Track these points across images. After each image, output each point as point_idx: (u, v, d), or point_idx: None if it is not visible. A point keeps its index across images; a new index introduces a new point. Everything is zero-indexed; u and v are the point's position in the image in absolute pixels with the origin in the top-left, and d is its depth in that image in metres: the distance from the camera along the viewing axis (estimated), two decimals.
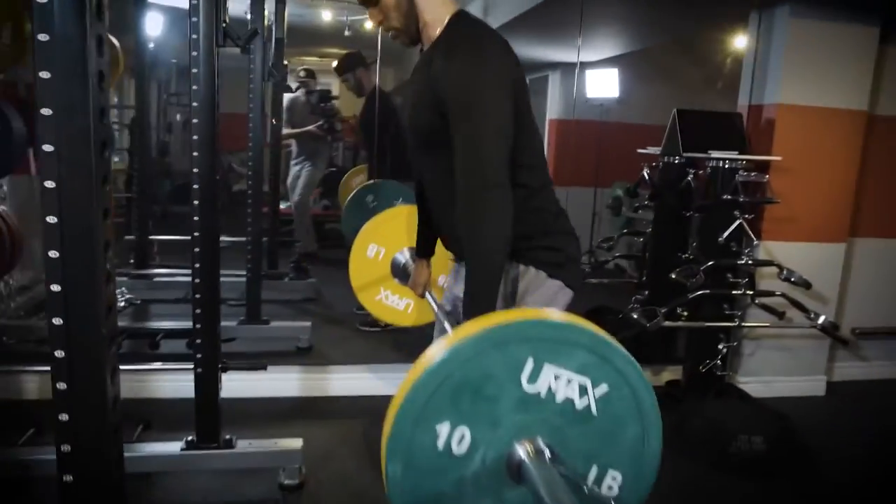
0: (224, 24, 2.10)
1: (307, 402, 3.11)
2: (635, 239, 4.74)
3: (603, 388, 1.02)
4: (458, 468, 1.02)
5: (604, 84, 5.88)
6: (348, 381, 3.21)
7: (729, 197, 3.03)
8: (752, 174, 3.06)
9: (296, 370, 3.20)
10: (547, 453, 1.02)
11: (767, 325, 3.24)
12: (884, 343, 3.74)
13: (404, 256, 2.26)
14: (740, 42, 5.18)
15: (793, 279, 3.05)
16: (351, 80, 4.14)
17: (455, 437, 1.01)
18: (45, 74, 0.97)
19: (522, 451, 1.03)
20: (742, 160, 3.08)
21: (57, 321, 1.00)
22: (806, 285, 3.05)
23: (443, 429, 1.00)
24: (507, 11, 4.74)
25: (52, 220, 0.98)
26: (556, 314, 1.06)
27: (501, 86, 1.42)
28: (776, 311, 3.22)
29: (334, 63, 4.40)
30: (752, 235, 3.00)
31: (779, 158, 3.15)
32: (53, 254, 0.98)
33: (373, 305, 2.46)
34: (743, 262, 3.08)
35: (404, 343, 3.59)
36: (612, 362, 1.02)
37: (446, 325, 1.70)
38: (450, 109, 1.42)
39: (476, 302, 1.40)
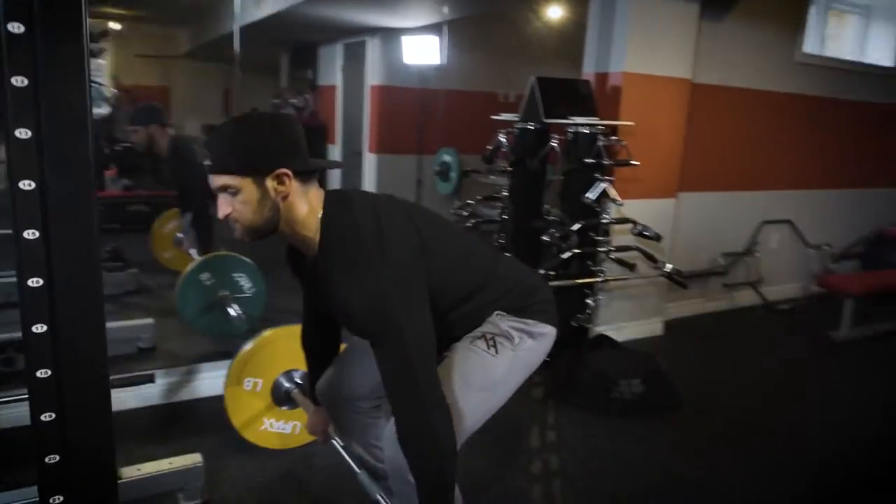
0: None
1: (179, 410, 2.76)
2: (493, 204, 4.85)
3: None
4: None
5: (424, 50, 5.89)
6: (215, 381, 2.88)
7: (592, 161, 3.22)
8: (612, 138, 3.28)
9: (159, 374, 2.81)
10: None
11: (626, 277, 3.53)
12: (700, 282, 4.29)
13: (286, 382, 2.26)
14: (555, 12, 5.52)
15: (646, 233, 3.35)
16: (141, 132, 3.57)
17: None
18: None
19: None
20: (601, 125, 3.28)
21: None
22: (658, 238, 3.38)
23: None
24: None
25: None
26: None
27: (409, 286, 1.37)
28: (628, 263, 3.52)
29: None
30: (617, 196, 3.22)
31: (632, 123, 3.41)
32: None
33: (258, 437, 2.34)
34: (606, 220, 3.31)
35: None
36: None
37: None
38: (368, 332, 1.38)
39: None
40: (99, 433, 0.80)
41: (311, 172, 1.41)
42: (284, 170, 1.36)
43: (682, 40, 3.66)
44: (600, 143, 3.23)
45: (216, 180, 1.35)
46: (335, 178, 6.93)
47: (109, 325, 3.08)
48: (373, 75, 6.39)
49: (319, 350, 1.85)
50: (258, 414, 2.30)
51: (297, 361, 2.15)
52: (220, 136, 1.35)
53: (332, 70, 7.04)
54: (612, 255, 3.45)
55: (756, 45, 4.22)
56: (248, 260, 3.35)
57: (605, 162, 3.22)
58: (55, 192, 0.70)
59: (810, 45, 4.57)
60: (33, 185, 0.68)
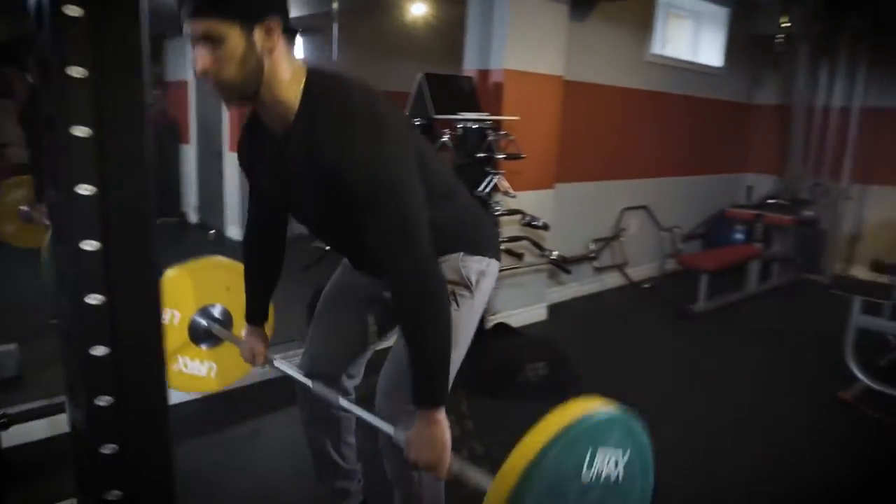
0: None
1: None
2: None
3: (627, 455, 1.16)
4: None
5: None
6: None
7: (483, 155, 3.32)
8: (501, 133, 3.40)
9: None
10: None
11: (516, 266, 3.68)
12: (575, 267, 4.57)
13: (204, 319, 2.02)
14: (419, 9, 5.58)
15: (535, 223, 3.52)
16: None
17: None
18: None
19: None
20: (489, 121, 3.39)
21: None
22: (546, 227, 3.56)
23: None
24: None
25: None
26: (600, 402, 1.17)
27: (405, 151, 1.32)
28: (517, 253, 3.68)
29: None
30: (510, 188, 3.34)
31: (517, 118, 3.55)
32: None
33: (172, 378, 2.04)
34: (498, 212, 3.43)
35: None
36: (633, 430, 1.18)
37: None
38: (359, 198, 1.27)
39: (435, 389, 1.35)
40: (163, 468, 0.72)
41: (294, 32, 1.31)
42: (275, 20, 1.25)
43: (555, 39, 3.87)
44: (490, 138, 3.34)
45: (197, 26, 1.21)
46: (191, 180, 6.54)
47: None
48: None
49: (262, 262, 1.75)
50: (173, 351, 2.03)
51: (219, 296, 1.99)
52: None
53: (182, 64, 6.61)
54: (504, 246, 3.58)
55: (613, 45, 4.55)
56: None
57: (496, 156, 3.33)
58: (115, 199, 0.63)
59: (656, 46, 5.02)
60: (93, 189, 0.61)
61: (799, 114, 5.26)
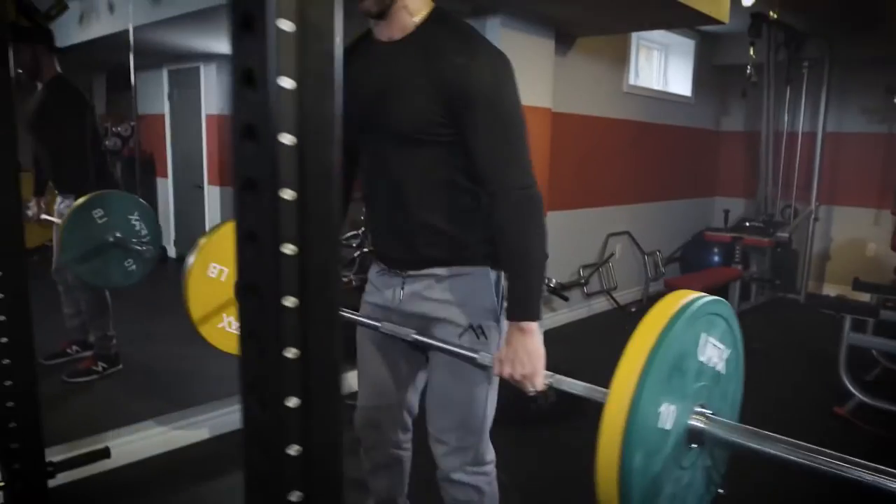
0: None
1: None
2: None
3: (728, 351, 1.21)
4: (667, 444, 1.11)
5: None
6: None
7: None
8: None
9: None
10: (710, 416, 1.17)
11: None
12: (566, 293, 4.66)
13: None
14: None
15: None
16: (27, 56, 2.98)
17: (666, 414, 1.09)
18: None
19: (698, 417, 1.16)
20: None
21: None
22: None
23: (662, 409, 1.08)
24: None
25: None
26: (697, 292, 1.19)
27: (518, 92, 1.45)
28: None
29: None
30: None
31: None
32: None
33: (215, 336, 2.02)
34: None
35: (140, 386, 3.06)
36: (732, 327, 1.23)
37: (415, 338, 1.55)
38: (474, 107, 1.35)
39: (535, 301, 1.40)
40: (337, 469, 0.75)
41: None
42: None
43: (543, 72, 3.99)
44: None
45: None
46: (169, 212, 6.45)
47: None
48: (209, 104, 6.07)
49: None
50: (218, 308, 1.94)
51: None
52: None
53: (155, 98, 6.55)
54: None
55: (594, 78, 4.72)
56: (142, 201, 2.99)
57: None
58: (313, 205, 0.66)
59: (631, 78, 5.22)
60: (294, 194, 0.65)
61: (767, 139, 5.51)
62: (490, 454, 1.62)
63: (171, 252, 6.43)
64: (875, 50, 5.16)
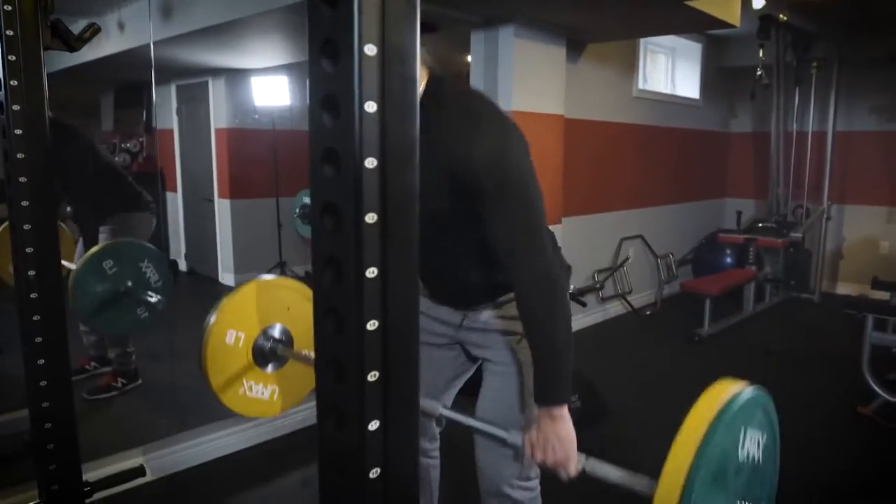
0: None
1: None
2: None
3: (765, 436, 1.19)
4: None
5: (273, 92, 5.77)
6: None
7: None
8: None
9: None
10: None
11: None
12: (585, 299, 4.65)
13: (267, 339, 1.94)
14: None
15: None
16: None
17: None
18: None
19: None
20: None
21: None
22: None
23: None
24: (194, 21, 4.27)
25: None
26: (743, 383, 1.19)
27: (528, 153, 1.38)
28: None
29: None
30: None
31: None
32: None
33: (237, 403, 1.96)
34: None
35: (161, 401, 3.06)
36: (769, 412, 1.21)
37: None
38: (486, 187, 1.28)
39: (563, 385, 1.37)
40: (414, 488, 0.75)
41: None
42: None
43: (555, 79, 4.00)
44: None
45: None
46: (179, 225, 6.46)
47: None
48: (218, 118, 6.09)
49: None
50: (238, 374, 1.93)
51: (280, 316, 1.89)
52: None
53: (164, 113, 6.58)
54: None
55: (604, 83, 4.73)
56: (153, 247, 2.96)
57: None
58: (394, 228, 0.67)
59: (640, 82, 5.22)
60: (376, 217, 0.65)
61: (777, 140, 5.51)
62: (536, 469, 1.61)
63: (183, 266, 6.45)
64: (884, 49, 5.16)
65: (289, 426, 2.91)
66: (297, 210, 6.02)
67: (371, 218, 0.64)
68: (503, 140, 1.30)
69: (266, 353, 1.91)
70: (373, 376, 0.68)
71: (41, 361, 1.58)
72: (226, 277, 6.25)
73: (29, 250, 1.52)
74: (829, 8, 4.59)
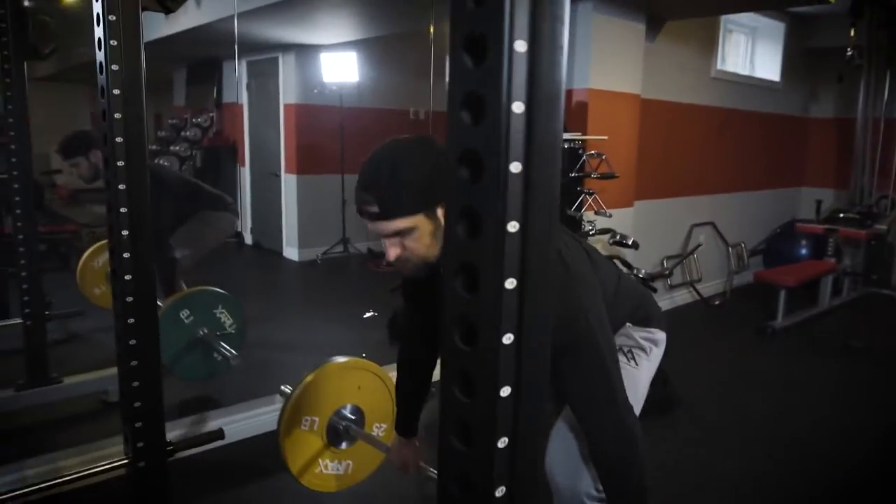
0: None
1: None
2: None
3: None
4: None
5: (342, 68, 5.78)
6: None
7: (576, 174, 3.32)
8: (593, 152, 3.40)
9: None
10: None
11: None
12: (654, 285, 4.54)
13: (340, 420, 2.04)
14: None
15: (625, 242, 3.50)
16: (83, 163, 3.10)
17: None
18: None
19: None
20: (581, 140, 3.39)
21: None
22: (636, 246, 3.53)
23: None
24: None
25: None
26: None
27: (596, 294, 1.35)
28: None
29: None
30: (604, 206, 3.33)
31: (605, 138, 3.55)
32: None
33: (316, 481, 2.09)
34: (590, 232, 3.42)
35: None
36: None
37: None
38: (560, 350, 1.26)
39: None
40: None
41: None
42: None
43: (633, 58, 3.87)
44: (585, 157, 3.34)
45: (386, 226, 1.23)
46: (245, 200, 6.58)
47: (70, 379, 2.76)
48: (287, 93, 6.15)
49: (418, 374, 1.76)
50: (315, 455, 2.06)
51: (352, 396, 2.02)
52: (384, 179, 1.21)
53: (233, 88, 6.68)
54: None
55: (681, 63, 4.55)
56: (227, 293, 3.08)
57: (592, 175, 3.33)
58: (533, 236, 0.63)
59: (719, 63, 5.01)
60: (517, 226, 0.62)
61: (865, 126, 5.21)
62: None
63: (248, 239, 6.59)
64: None
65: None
66: None
67: (513, 227, 0.61)
68: (576, 298, 1.28)
69: (340, 433, 2.03)
70: (505, 392, 0.65)
71: (131, 320, 1.61)
72: (289, 252, 6.36)
73: (123, 210, 1.56)
74: None
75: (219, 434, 2.03)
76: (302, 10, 4.59)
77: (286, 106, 6.18)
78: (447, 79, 0.64)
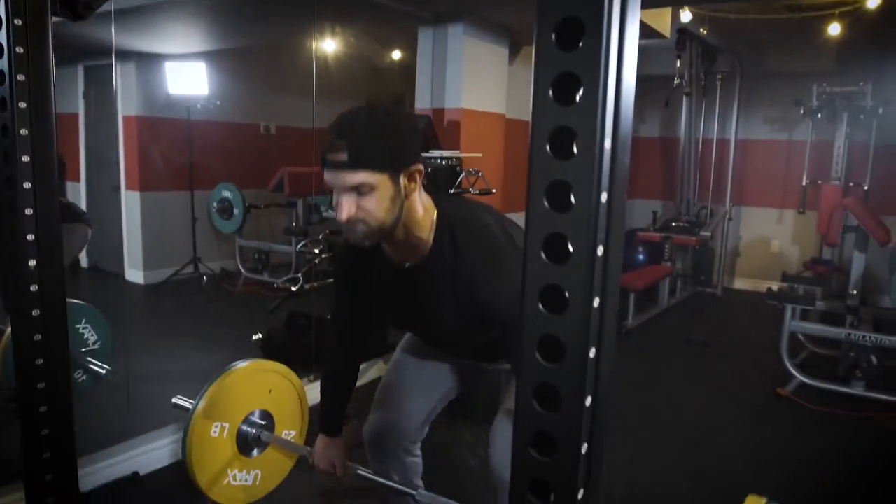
0: None
1: None
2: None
3: None
4: None
5: (190, 80, 5.49)
6: None
7: (454, 191, 3.43)
8: (471, 169, 3.53)
9: None
10: None
11: None
12: None
13: (250, 426, 1.91)
14: (329, 46, 5.57)
15: None
16: None
17: None
18: None
19: None
20: (458, 157, 3.51)
21: None
22: None
23: None
24: None
25: None
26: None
27: None
28: None
29: None
30: None
31: (480, 155, 3.70)
32: None
33: (223, 494, 1.93)
34: None
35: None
36: None
37: None
38: (508, 322, 1.33)
39: None
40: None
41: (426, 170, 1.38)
42: (419, 166, 1.30)
43: (499, 79, 4.08)
44: (462, 175, 3.46)
45: (350, 177, 1.24)
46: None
47: None
48: (128, 104, 5.70)
49: (349, 367, 1.73)
50: (223, 466, 1.91)
51: (262, 400, 1.91)
52: (360, 130, 1.23)
53: (68, 96, 6.07)
54: None
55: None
56: (89, 305, 2.76)
57: (471, 191, 3.46)
58: (613, 260, 0.71)
59: None
60: (603, 250, 0.69)
61: (687, 145, 5.90)
62: None
63: (84, 261, 5.99)
64: (778, 65, 5.65)
65: None
66: (216, 204, 5.80)
67: (601, 251, 0.66)
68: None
69: (250, 440, 1.91)
70: (588, 401, 0.70)
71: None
72: (133, 274, 5.86)
73: (30, 237, 1.40)
74: (737, 25, 4.97)
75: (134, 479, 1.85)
76: (146, 17, 4.30)
77: (125, 118, 5.72)
78: (531, 116, 0.68)
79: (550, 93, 0.66)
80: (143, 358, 3.82)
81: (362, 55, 5.33)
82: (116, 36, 5.04)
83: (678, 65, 5.21)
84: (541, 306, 0.69)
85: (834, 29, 4.77)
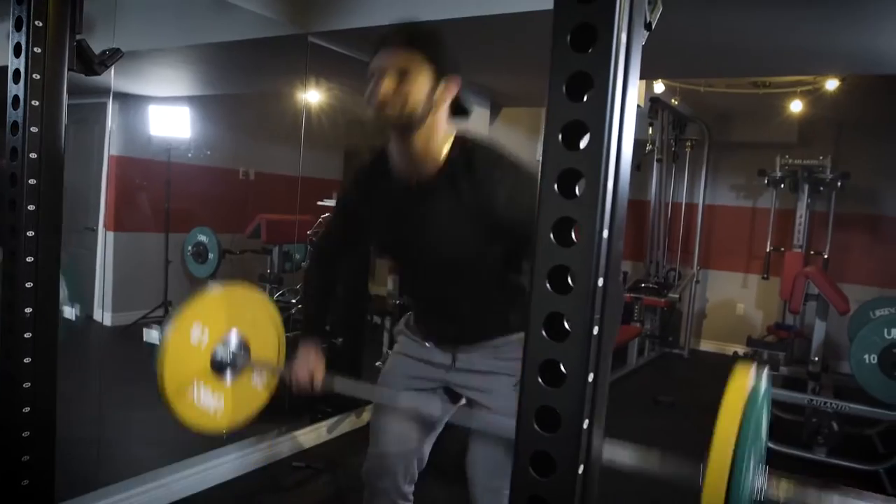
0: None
1: None
2: None
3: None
4: None
5: (173, 123, 5.55)
6: None
7: None
8: None
9: None
10: None
11: None
12: None
13: (227, 347, 1.83)
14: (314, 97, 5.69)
15: None
16: None
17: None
18: None
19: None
20: None
21: None
22: None
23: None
24: None
25: None
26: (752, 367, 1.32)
27: None
28: None
29: None
30: None
31: None
32: None
33: (184, 408, 1.80)
34: None
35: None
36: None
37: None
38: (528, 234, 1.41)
39: None
40: None
41: (463, 110, 1.51)
42: (458, 81, 1.42)
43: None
44: None
45: (401, 57, 1.34)
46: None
47: None
48: (113, 144, 5.71)
49: (336, 279, 1.77)
50: (191, 375, 1.80)
51: (244, 326, 1.84)
52: (426, 30, 1.39)
53: None
54: None
55: (512, 146, 5.02)
56: None
57: None
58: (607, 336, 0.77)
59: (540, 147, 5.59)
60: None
61: (658, 209, 6.10)
62: None
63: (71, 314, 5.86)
64: (744, 136, 5.94)
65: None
66: (190, 248, 5.77)
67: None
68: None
69: (225, 361, 1.82)
70: (586, 424, 0.75)
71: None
72: (100, 315, 5.76)
73: (29, 285, 1.41)
74: (706, 97, 5.24)
75: None
76: (137, 61, 4.39)
77: (111, 157, 5.72)
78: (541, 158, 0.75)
79: (560, 137, 0.74)
80: (113, 404, 3.73)
81: (345, 107, 5.46)
82: (101, 75, 5.14)
83: (650, 132, 5.44)
84: (544, 333, 0.75)
85: (796, 105, 5.06)
